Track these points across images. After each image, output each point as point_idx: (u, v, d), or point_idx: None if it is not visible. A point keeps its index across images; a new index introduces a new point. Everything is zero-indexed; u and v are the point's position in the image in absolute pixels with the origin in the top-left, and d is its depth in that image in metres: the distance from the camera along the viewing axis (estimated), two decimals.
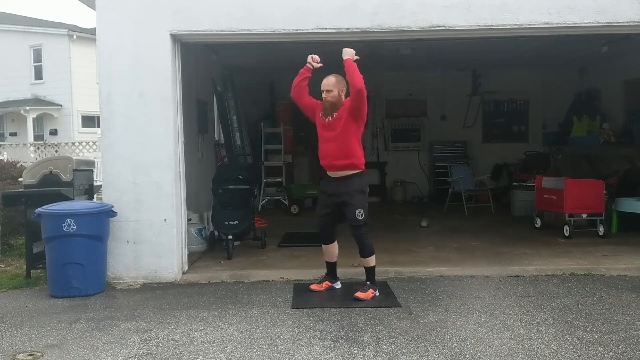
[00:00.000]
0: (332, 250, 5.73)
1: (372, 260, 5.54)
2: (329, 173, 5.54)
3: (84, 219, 5.78)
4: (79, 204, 6.16)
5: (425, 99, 13.62)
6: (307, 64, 5.60)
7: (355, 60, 5.37)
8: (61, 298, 5.74)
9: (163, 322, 4.94)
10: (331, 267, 5.82)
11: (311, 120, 5.71)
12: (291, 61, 10.62)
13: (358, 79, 5.22)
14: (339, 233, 5.74)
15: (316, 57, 5.54)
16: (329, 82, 5.44)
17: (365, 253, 5.51)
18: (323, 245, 5.75)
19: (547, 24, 6.19)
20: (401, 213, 11.11)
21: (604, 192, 8.33)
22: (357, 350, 4.19)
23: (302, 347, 4.27)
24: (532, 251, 7.32)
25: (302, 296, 5.62)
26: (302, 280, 6.16)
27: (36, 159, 17.92)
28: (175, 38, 6.37)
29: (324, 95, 5.44)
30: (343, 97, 5.46)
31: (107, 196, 6.34)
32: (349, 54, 5.37)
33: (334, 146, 5.41)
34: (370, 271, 5.58)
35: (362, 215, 5.38)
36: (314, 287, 5.80)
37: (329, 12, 6.17)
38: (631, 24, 6.23)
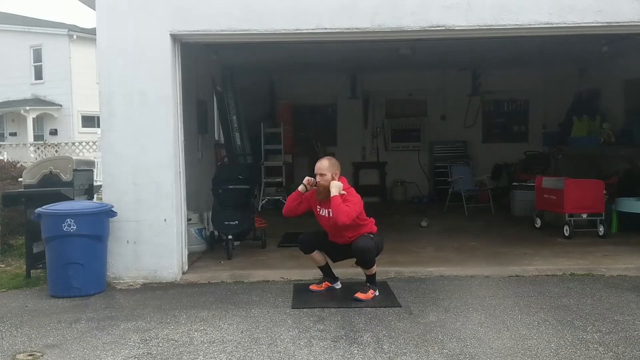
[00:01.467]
0: (315, 257, 5.72)
1: (372, 270, 5.56)
2: None
3: (84, 219, 5.78)
4: (79, 204, 6.16)
5: (425, 99, 13.63)
6: (300, 188, 5.56)
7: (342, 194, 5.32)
8: (61, 298, 5.74)
9: (163, 322, 4.94)
10: (325, 270, 5.82)
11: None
12: (291, 61, 10.71)
13: (342, 217, 5.16)
14: None
15: (312, 180, 5.49)
16: (322, 165, 5.43)
17: (366, 265, 5.51)
18: (305, 254, 5.74)
19: (547, 24, 6.19)
20: (401, 213, 11.11)
21: (604, 192, 8.33)
22: (357, 350, 4.19)
23: (302, 347, 4.27)
24: (532, 251, 7.32)
25: (302, 296, 5.62)
26: (302, 280, 6.16)
27: (36, 159, 17.92)
28: (175, 38, 6.37)
29: (317, 178, 5.42)
30: (337, 179, 5.42)
31: (107, 196, 6.34)
32: (336, 188, 5.29)
33: (342, 239, 5.47)
34: (370, 277, 5.59)
35: (372, 239, 5.41)
36: (313, 287, 5.81)
37: (329, 12, 6.17)
38: (631, 24, 6.23)
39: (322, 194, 5.40)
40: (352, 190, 5.46)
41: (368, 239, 5.37)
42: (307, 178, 5.56)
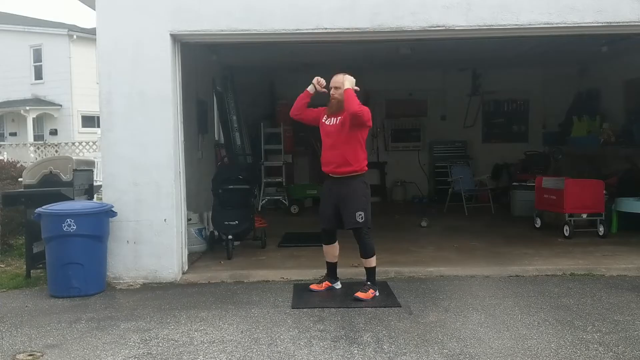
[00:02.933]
0: (333, 250, 5.73)
1: (372, 261, 5.54)
2: (331, 175, 5.55)
3: (84, 219, 5.78)
4: (79, 204, 6.16)
5: (425, 99, 13.62)
6: (309, 88, 5.60)
7: (355, 91, 5.40)
8: (61, 298, 5.74)
9: (163, 322, 4.94)
10: (331, 268, 5.82)
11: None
12: (291, 61, 10.70)
13: (354, 105, 5.24)
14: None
15: (322, 81, 5.54)
16: (338, 79, 5.49)
17: (366, 254, 5.51)
18: (324, 246, 5.75)
19: (547, 24, 6.19)
20: (401, 213, 11.11)
21: (604, 192, 8.33)
22: (357, 350, 4.19)
23: (302, 347, 4.27)
24: (532, 251, 7.32)
25: (302, 296, 5.62)
26: (302, 280, 6.16)
27: (36, 159, 17.91)
28: (175, 38, 6.37)
29: (332, 92, 5.49)
30: None
31: (107, 196, 6.34)
32: (349, 82, 5.40)
33: (336, 154, 5.44)
34: (370, 272, 5.59)
35: (362, 218, 5.39)
36: (313, 287, 5.80)
37: (329, 12, 6.17)
38: (631, 24, 6.23)
39: (335, 107, 5.47)
40: (365, 107, 5.49)
41: (360, 226, 5.37)
42: (316, 78, 5.60)
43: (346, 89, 5.35)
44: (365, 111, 5.35)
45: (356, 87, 5.42)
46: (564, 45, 9.00)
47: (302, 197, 11.61)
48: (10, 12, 36.12)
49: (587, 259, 6.84)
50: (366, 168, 5.57)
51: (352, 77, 5.46)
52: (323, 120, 5.57)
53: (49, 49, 27.22)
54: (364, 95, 13.26)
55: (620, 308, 5.11)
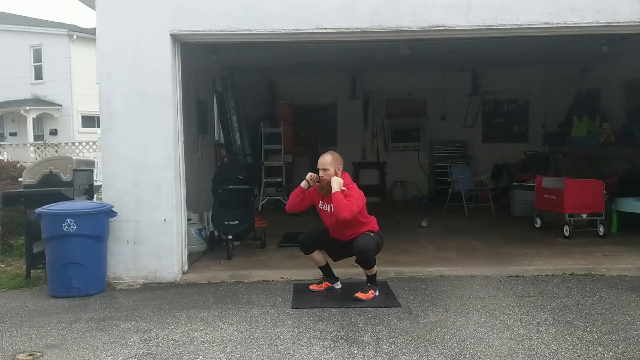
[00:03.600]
0: (316, 257, 5.73)
1: (373, 270, 5.56)
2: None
3: (84, 219, 5.78)
4: (79, 204, 6.16)
5: (425, 99, 13.62)
6: (303, 184, 5.58)
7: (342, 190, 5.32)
8: (61, 298, 5.74)
9: (163, 322, 4.94)
10: (325, 270, 5.82)
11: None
12: (291, 61, 10.71)
13: (343, 212, 5.15)
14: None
15: (315, 176, 5.51)
16: (325, 160, 5.44)
17: (366, 265, 5.50)
18: (305, 254, 5.74)
19: (547, 24, 6.19)
20: (401, 213, 11.10)
21: (604, 192, 8.33)
22: (357, 350, 4.19)
23: (302, 347, 4.27)
24: (532, 251, 7.32)
25: (302, 296, 5.62)
26: (302, 280, 6.16)
27: (36, 159, 17.91)
28: (175, 38, 6.37)
29: (320, 173, 5.44)
30: (339, 174, 5.44)
31: (107, 196, 6.34)
32: (337, 184, 5.29)
33: (343, 232, 5.46)
34: (371, 277, 5.60)
35: (373, 237, 5.40)
36: (313, 287, 5.81)
37: (329, 12, 6.17)
38: (631, 24, 6.23)
39: (325, 189, 5.40)
40: (354, 185, 5.46)
41: (369, 239, 5.36)
42: (309, 174, 5.58)
43: (334, 194, 5.23)
44: (355, 206, 5.22)
45: (343, 188, 5.31)
46: (564, 45, 8.99)
47: None
48: (10, 12, 36.17)
49: (587, 259, 6.84)
50: (377, 227, 5.55)
51: (339, 178, 5.36)
52: (320, 206, 5.55)
53: (49, 49, 27.22)
54: (364, 96, 13.37)
55: (620, 308, 5.11)
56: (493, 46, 9.10)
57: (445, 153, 12.92)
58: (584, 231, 8.25)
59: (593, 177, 9.07)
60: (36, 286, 6.27)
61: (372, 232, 5.47)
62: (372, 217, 5.56)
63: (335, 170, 5.39)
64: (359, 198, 5.31)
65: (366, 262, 5.42)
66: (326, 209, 5.46)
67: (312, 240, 5.69)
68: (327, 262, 5.79)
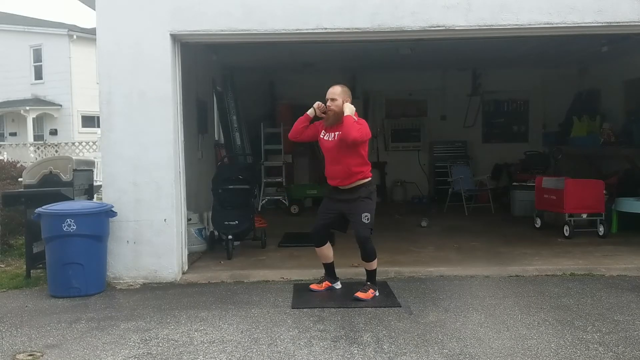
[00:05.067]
0: (326, 252, 5.73)
1: (374, 264, 5.55)
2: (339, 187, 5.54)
3: (83, 219, 5.78)
4: (78, 204, 6.16)
5: (425, 99, 13.60)
6: (309, 111, 5.57)
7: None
8: (61, 298, 5.74)
9: (163, 322, 4.94)
10: (329, 268, 5.82)
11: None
12: (291, 61, 10.71)
13: (354, 132, 5.19)
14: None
15: (323, 105, 5.51)
16: (334, 90, 5.46)
17: (367, 257, 5.50)
18: (316, 249, 5.74)
19: (547, 24, 6.19)
20: (401, 213, 11.11)
21: (604, 192, 8.33)
22: (357, 350, 4.19)
23: (302, 347, 4.27)
24: (532, 251, 7.32)
25: (302, 296, 5.62)
26: (302, 280, 6.16)
27: (36, 159, 17.91)
28: (175, 38, 6.37)
29: (328, 103, 5.44)
30: None
31: (107, 196, 6.34)
32: (349, 109, 5.34)
33: (340, 168, 5.42)
34: (371, 273, 5.59)
35: (367, 219, 5.38)
36: (313, 286, 5.81)
37: (329, 12, 6.17)
38: (631, 24, 6.23)
39: (331, 119, 5.43)
40: (364, 121, 5.47)
41: (365, 229, 5.36)
42: (317, 103, 5.58)
43: (346, 116, 5.28)
44: (364, 132, 5.29)
45: (355, 118, 5.34)
46: (564, 45, 9.00)
47: (302, 197, 11.61)
48: (10, 12, 36.09)
49: (587, 259, 6.84)
50: (370, 174, 5.54)
51: (352, 105, 5.40)
52: (321, 136, 5.54)
53: (49, 49, 27.22)
54: (364, 96, 13.36)
55: (620, 308, 5.11)
56: (493, 46, 9.10)
57: (445, 153, 12.91)
58: (584, 231, 8.25)
59: (593, 177, 9.07)
60: (36, 286, 6.27)
61: (367, 181, 5.43)
62: (369, 163, 5.55)
63: (343, 102, 5.41)
64: (367, 128, 5.36)
65: (367, 253, 5.43)
66: (328, 138, 5.46)
67: (323, 230, 5.64)
68: (333, 261, 5.79)
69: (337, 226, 5.72)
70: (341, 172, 5.42)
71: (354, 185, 5.42)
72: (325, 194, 5.84)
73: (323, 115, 5.52)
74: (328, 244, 5.71)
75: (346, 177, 5.41)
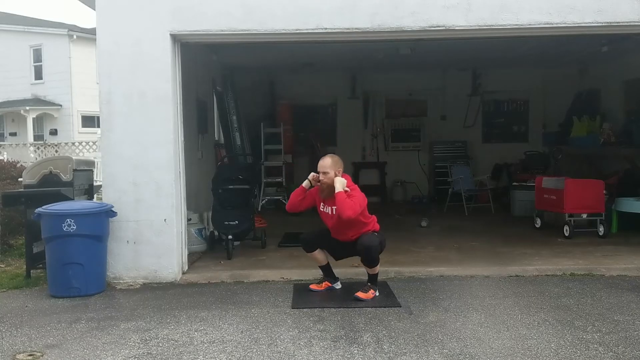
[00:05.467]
0: (317, 256, 5.73)
1: (376, 269, 5.56)
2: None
3: (83, 219, 5.78)
4: (78, 204, 6.16)
5: (425, 99, 13.62)
6: (304, 184, 5.59)
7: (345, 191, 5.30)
8: (61, 298, 5.74)
9: (163, 322, 4.94)
10: (325, 270, 5.82)
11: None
12: (291, 61, 10.71)
13: (347, 211, 5.14)
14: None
15: (317, 175, 5.50)
16: (325, 163, 5.44)
17: (371, 264, 5.50)
18: (307, 253, 5.74)
19: (547, 24, 6.19)
20: (401, 213, 11.10)
21: (604, 192, 8.33)
22: (357, 350, 4.19)
23: (302, 347, 4.27)
24: (532, 251, 7.32)
25: (302, 296, 5.62)
26: (302, 280, 6.16)
27: (36, 159, 17.90)
28: (175, 38, 6.37)
29: (320, 177, 5.44)
30: (340, 176, 5.42)
31: (107, 196, 6.34)
32: (340, 184, 5.28)
33: (344, 234, 5.46)
34: (373, 277, 5.59)
35: (375, 248, 5.39)
36: (313, 287, 5.81)
37: (329, 12, 6.17)
38: (631, 24, 6.23)
39: (326, 192, 5.41)
40: (356, 187, 5.46)
41: (373, 237, 5.38)
42: (312, 174, 5.58)
43: (337, 194, 5.23)
44: (358, 205, 5.22)
45: (347, 189, 5.30)
46: (564, 45, 9.00)
47: None
48: (10, 12, 36.09)
49: (587, 259, 6.84)
50: (378, 226, 5.55)
51: (342, 179, 5.36)
52: (321, 209, 5.55)
53: (49, 49, 27.21)
54: (364, 96, 13.36)
55: (620, 308, 5.11)
56: (493, 46, 9.11)
57: (445, 153, 12.91)
58: (584, 231, 8.25)
59: (593, 177, 9.07)
60: (36, 286, 6.27)
61: (374, 232, 5.48)
62: (373, 216, 5.58)
63: (335, 173, 5.39)
64: (360, 198, 5.32)
65: (371, 259, 5.42)
66: (327, 211, 5.47)
67: (314, 239, 5.69)
68: (328, 262, 5.79)
69: (334, 253, 5.73)
70: (346, 236, 5.46)
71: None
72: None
73: (318, 183, 5.49)
74: (319, 250, 5.70)
75: (353, 236, 5.43)
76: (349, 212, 5.15)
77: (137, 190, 6.27)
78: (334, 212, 5.33)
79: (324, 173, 5.41)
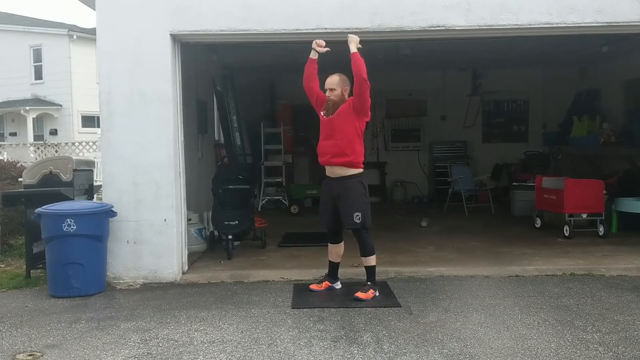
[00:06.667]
0: (338, 250, 5.73)
1: (372, 260, 5.55)
2: (328, 172, 5.54)
3: (84, 219, 5.78)
4: (78, 204, 6.16)
5: (425, 99, 13.62)
6: (312, 54, 5.56)
7: (358, 49, 5.40)
8: (61, 298, 5.74)
9: (163, 322, 4.94)
10: (334, 268, 5.82)
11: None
12: (291, 61, 10.68)
13: (362, 70, 5.26)
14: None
15: (321, 41, 5.51)
16: (333, 80, 5.48)
17: (365, 252, 5.51)
18: (329, 245, 5.75)
19: (547, 24, 6.19)
20: (401, 213, 11.11)
21: (604, 192, 8.33)
22: (357, 350, 4.19)
23: (302, 347, 4.27)
24: (532, 251, 7.32)
25: (302, 296, 5.62)
26: (302, 280, 6.16)
27: (36, 159, 17.90)
28: (175, 38, 6.37)
29: (327, 93, 5.47)
30: (346, 96, 5.48)
31: (107, 196, 6.34)
32: (354, 42, 5.38)
33: (332, 143, 5.41)
34: (370, 271, 5.58)
35: (359, 219, 5.38)
36: (313, 287, 5.81)
37: (329, 12, 6.17)
38: (631, 24, 6.23)
39: (331, 109, 5.44)
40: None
41: (354, 219, 5.35)
42: (315, 41, 5.54)
43: (353, 53, 5.31)
44: (369, 87, 5.32)
45: (359, 46, 5.39)
46: (564, 45, 9.00)
47: (302, 197, 11.61)
48: (10, 12, 36.08)
49: (587, 259, 6.84)
50: (362, 166, 5.53)
51: (356, 36, 5.43)
52: (321, 114, 5.57)
53: (49, 49, 27.22)
54: None
55: (620, 308, 5.11)
56: (493, 46, 9.10)
57: (445, 153, 12.92)
58: (584, 231, 8.25)
59: (593, 177, 9.07)
60: (36, 286, 6.27)
61: (357, 176, 5.43)
62: (363, 147, 5.52)
63: (342, 91, 5.44)
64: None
65: (364, 245, 5.42)
66: (327, 115, 5.47)
67: (334, 225, 5.60)
68: (339, 262, 5.79)
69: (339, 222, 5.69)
70: (332, 147, 5.39)
71: (343, 174, 5.40)
72: (321, 189, 5.81)
73: (326, 49, 5.48)
74: (342, 243, 5.71)
75: (336, 154, 5.37)
76: (364, 74, 5.25)
77: (137, 190, 6.27)
78: (334, 116, 5.37)
79: (331, 90, 5.45)
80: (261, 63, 10.88)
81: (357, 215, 5.37)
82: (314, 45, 5.53)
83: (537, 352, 4.10)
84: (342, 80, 5.48)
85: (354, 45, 5.36)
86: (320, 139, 5.56)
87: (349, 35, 5.45)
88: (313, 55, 5.56)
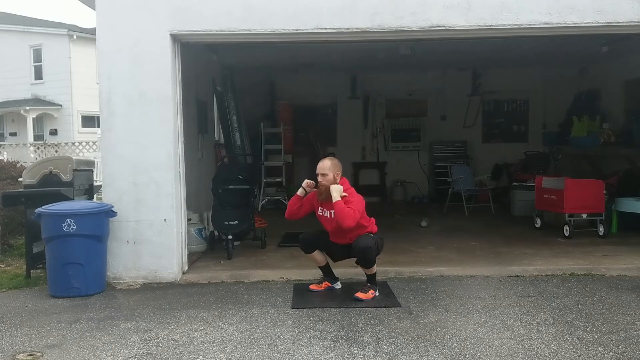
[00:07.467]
0: (316, 256, 5.73)
1: (373, 269, 5.56)
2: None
3: (83, 219, 5.78)
4: (78, 204, 6.15)
5: (425, 99, 13.62)
6: (299, 192, 5.57)
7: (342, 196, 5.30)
8: (61, 298, 5.74)
9: (163, 322, 4.94)
10: (325, 270, 5.82)
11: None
12: (291, 61, 10.71)
13: (347, 221, 5.15)
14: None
15: (311, 182, 5.51)
16: (325, 165, 5.44)
17: (367, 265, 5.51)
18: (306, 255, 5.74)
19: (547, 24, 6.19)
20: (401, 213, 11.11)
21: (604, 192, 8.33)
22: (357, 350, 4.19)
23: (302, 347, 4.27)
24: (532, 251, 7.32)
25: (302, 296, 5.62)
26: (302, 280, 6.16)
27: (36, 159, 17.90)
28: (175, 38, 6.37)
29: (319, 178, 5.43)
30: (338, 179, 5.44)
31: (107, 196, 6.34)
32: (337, 192, 5.27)
33: (343, 236, 5.44)
34: (371, 277, 5.60)
35: (370, 249, 5.38)
36: (313, 287, 5.81)
37: (329, 12, 6.17)
38: (631, 24, 6.23)
39: (324, 195, 5.40)
40: (353, 190, 5.46)
41: (368, 239, 5.37)
42: (306, 181, 5.57)
43: (335, 202, 5.21)
44: (356, 212, 5.20)
45: (344, 194, 5.30)
46: (564, 45, 9.00)
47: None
48: (10, 12, 36.11)
49: (587, 259, 6.84)
50: (376, 228, 5.55)
51: (339, 186, 5.34)
52: (319, 213, 5.55)
53: (49, 49, 27.21)
54: (364, 96, 13.36)
55: (620, 308, 5.11)
56: (493, 46, 9.11)
57: (445, 153, 12.92)
58: (584, 231, 8.25)
59: (593, 177, 9.07)
60: (36, 286, 6.27)
61: (371, 233, 5.47)
62: (372, 219, 5.57)
63: (334, 176, 5.39)
64: (359, 203, 5.31)
65: (366, 261, 5.42)
66: (326, 214, 5.46)
67: (312, 240, 5.69)
68: (327, 262, 5.79)
69: (333, 254, 5.73)
70: (345, 238, 5.45)
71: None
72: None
73: (315, 189, 5.48)
74: (317, 251, 5.69)
75: (352, 238, 5.41)
76: (349, 222, 5.15)
77: (137, 190, 6.28)
78: (333, 216, 5.32)
79: (323, 175, 5.40)
80: (261, 63, 10.89)
81: (368, 249, 5.35)
82: (303, 184, 5.54)
83: (537, 352, 4.10)
84: (334, 164, 5.45)
85: (337, 194, 5.24)
86: (329, 232, 5.55)
87: (331, 185, 5.31)
88: (300, 193, 5.57)
